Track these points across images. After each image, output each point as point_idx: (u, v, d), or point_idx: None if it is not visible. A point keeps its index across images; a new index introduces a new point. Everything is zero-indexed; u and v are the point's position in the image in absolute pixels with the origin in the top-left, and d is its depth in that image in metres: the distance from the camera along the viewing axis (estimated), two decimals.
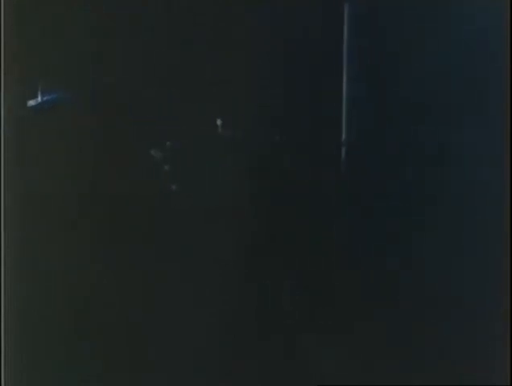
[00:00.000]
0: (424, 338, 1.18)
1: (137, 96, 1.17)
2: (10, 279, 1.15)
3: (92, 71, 1.17)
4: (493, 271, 1.17)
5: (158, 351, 1.17)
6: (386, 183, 1.18)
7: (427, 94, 1.19)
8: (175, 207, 1.17)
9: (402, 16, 1.18)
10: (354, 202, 1.18)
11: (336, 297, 1.18)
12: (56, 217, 1.16)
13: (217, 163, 1.17)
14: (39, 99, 1.17)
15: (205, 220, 1.17)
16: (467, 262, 1.18)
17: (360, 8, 1.17)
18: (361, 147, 1.18)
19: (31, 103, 1.17)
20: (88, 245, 1.16)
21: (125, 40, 1.17)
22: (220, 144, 1.17)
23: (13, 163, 1.16)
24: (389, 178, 1.18)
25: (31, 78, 1.17)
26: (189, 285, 1.17)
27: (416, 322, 1.18)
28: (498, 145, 1.17)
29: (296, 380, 1.17)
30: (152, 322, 1.17)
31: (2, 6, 1.16)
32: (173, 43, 1.17)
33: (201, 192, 1.17)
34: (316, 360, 1.17)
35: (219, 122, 1.16)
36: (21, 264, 1.16)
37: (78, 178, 1.16)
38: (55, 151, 1.17)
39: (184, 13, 1.17)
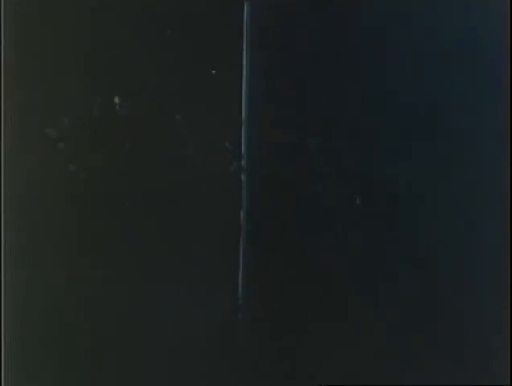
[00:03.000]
0: (424, 337, 1.18)
1: (31, 69, 1.15)
2: (11, 279, 1.16)
3: None
4: (493, 271, 1.17)
5: (158, 352, 1.17)
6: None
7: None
8: (72, 187, 1.15)
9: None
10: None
11: (335, 297, 1.18)
12: None
13: (115, 143, 1.15)
14: None
15: (103, 202, 1.16)
16: (467, 262, 1.18)
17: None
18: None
19: None
20: None
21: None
22: (118, 123, 1.15)
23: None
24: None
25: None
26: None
27: (416, 322, 1.18)
28: (498, 144, 1.18)
29: (296, 380, 1.17)
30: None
31: (1, 6, 1.16)
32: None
33: (99, 172, 1.15)
34: (316, 360, 1.17)
35: (117, 100, 1.14)
36: (21, 265, 1.16)
37: None
38: None
39: None
